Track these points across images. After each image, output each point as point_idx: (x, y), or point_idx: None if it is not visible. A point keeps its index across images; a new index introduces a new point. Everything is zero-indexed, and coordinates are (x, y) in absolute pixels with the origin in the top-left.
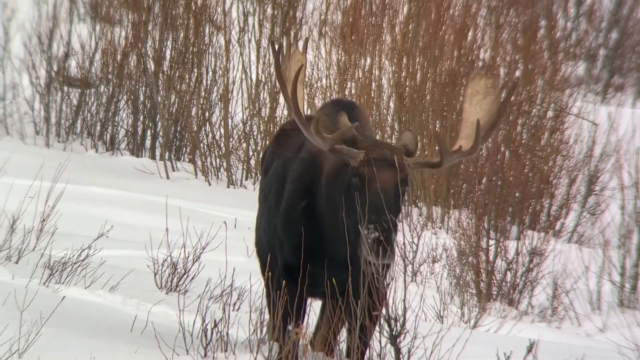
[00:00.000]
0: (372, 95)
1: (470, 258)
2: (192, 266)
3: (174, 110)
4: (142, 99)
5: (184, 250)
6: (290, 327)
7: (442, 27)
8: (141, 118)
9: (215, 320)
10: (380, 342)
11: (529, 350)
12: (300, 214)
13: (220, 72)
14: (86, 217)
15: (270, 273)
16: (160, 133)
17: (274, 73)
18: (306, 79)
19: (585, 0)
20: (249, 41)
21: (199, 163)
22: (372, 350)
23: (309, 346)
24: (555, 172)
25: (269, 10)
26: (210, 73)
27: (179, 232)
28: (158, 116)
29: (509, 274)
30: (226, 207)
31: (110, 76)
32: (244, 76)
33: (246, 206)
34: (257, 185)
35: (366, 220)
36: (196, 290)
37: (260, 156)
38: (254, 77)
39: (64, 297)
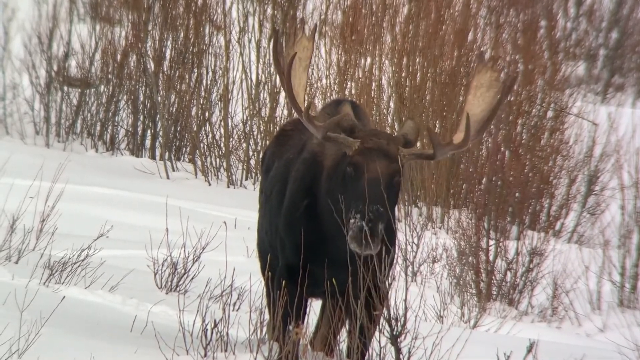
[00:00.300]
0: (372, 95)
1: (470, 258)
2: (192, 266)
3: (174, 110)
4: (142, 99)
5: (184, 250)
6: (290, 327)
7: (442, 27)
8: (141, 118)
9: (215, 320)
10: (380, 342)
11: (529, 350)
12: (302, 213)
13: (220, 72)
14: (86, 217)
15: (270, 273)
16: (160, 133)
17: (272, 59)
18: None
19: (585, 0)
20: (249, 41)
21: (199, 163)
22: (372, 350)
23: (308, 346)
24: (555, 172)
25: (269, 10)
26: (210, 73)
27: (178, 232)
28: (158, 116)
29: (508, 274)
30: (226, 207)
31: (110, 76)
32: (244, 76)
33: (246, 206)
34: (257, 185)
35: (353, 209)
36: (196, 290)
37: (260, 156)
38: (253, 77)
39: (64, 297)
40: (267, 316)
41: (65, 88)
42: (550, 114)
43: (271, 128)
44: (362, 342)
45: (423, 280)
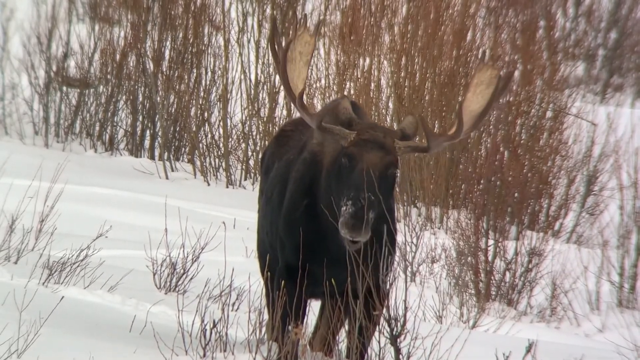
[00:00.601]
0: (371, 95)
1: (469, 258)
2: (191, 266)
3: (173, 111)
4: (141, 99)
5: (183, 251)
6: (289, 327)
7: (441, 27)
8: (140, 118)
9: (214, 321)
10: (379, 342)
11: (528, 350)
12: (302, 213)
13: (219, 72)
14: (85, 217)
15: (270, 273)
16: (159, 133)
17: (269, 45)
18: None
19: (584, 0)
20: (248, 41)
21: (198, 163)
22: (371, 350)
23: (307, 346)
24: (554, 172)
25: (268, 11)
26: (210, 73)
27: (178, 232)
28: (157, 116)
29: (507, 274)
30: (225, 207)
31: (109, 76)
32: (243, 76)
33: (245, 206)
34: (256, 185)
35: (345, 196)
36: (195, 291)
37: (260, 157)
38: (253, 77)
39: (63, 297)
40: (266, 316)
41: (64, 88)
42: (549, 114)
43: (270, 128)
44: (362, 343)
45: (422, 280)
